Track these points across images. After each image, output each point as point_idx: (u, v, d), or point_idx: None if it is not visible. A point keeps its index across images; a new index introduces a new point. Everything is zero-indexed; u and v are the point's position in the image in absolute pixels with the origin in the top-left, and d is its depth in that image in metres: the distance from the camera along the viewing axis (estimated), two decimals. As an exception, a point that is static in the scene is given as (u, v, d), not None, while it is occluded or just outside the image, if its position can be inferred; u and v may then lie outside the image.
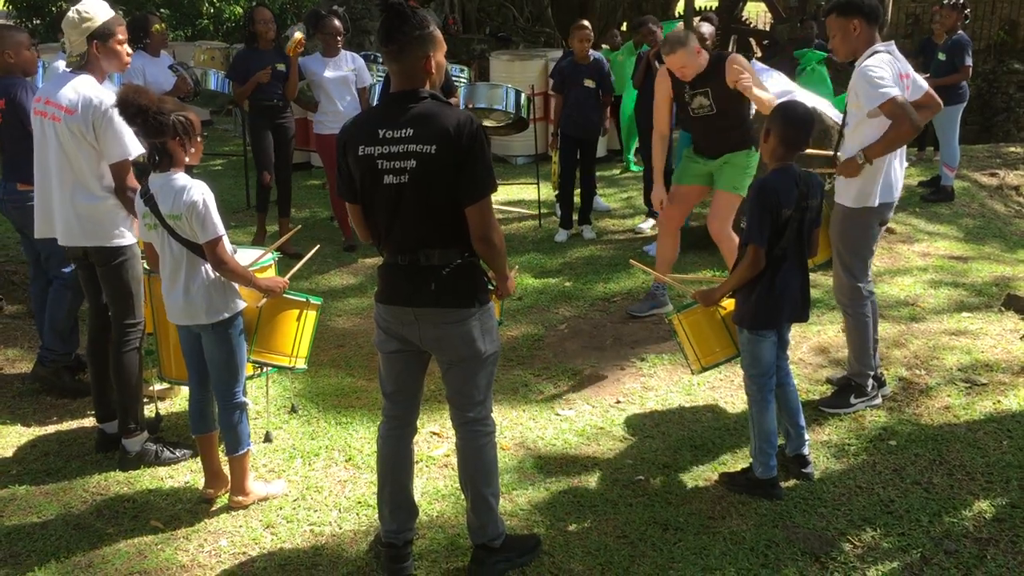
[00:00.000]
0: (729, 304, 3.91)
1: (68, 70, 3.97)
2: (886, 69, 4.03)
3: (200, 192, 3.41)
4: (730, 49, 12.49)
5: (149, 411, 4.52)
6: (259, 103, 6.98)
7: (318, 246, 4.61)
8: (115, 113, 3.71)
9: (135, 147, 3.89)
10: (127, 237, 4.04)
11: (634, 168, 9.84)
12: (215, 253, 3.43)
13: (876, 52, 4.12)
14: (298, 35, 7.04)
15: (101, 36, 3.92)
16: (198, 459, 3.98)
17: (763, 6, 15.68)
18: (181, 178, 3.45)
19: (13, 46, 4.66)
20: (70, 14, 3.90)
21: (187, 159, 3.50)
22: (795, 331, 4.12)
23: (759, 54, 12.88)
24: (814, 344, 5.25)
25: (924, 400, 4.57)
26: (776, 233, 3.59)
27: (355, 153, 2.93)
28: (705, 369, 4.18)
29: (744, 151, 5.32)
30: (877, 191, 4.23)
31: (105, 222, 3.98)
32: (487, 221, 2.92)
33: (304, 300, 4.00)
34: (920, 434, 4.23)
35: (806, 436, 3.92)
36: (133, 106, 3.38)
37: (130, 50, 4.11)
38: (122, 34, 4.01)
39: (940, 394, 4.63)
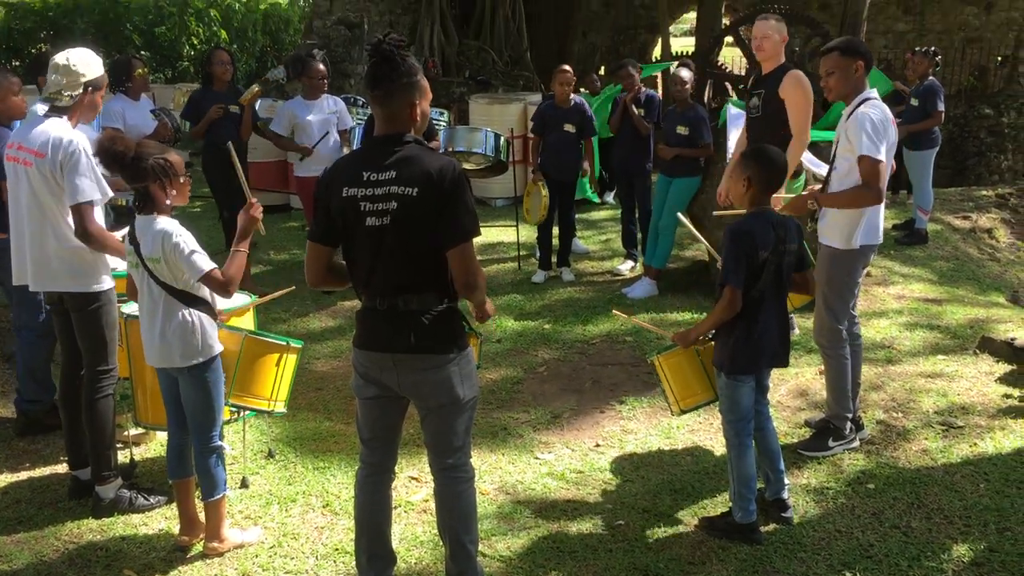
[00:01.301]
0: (710, 347, 3.93)
1: (43, 113, 3.97)
2: (882, 128, 4.09)
3: (178, 234, 3.42)
4: (707, 94, 12.64)
5: (124, 456, 4.46)
6: (213, 144, 6.99)
7: (292, 287, 4.57)
8: (83, 156, 3.76)
9: (95, 192, 3.87)
10: (104, 282, 4.02)
11: (590, 196, 9.87)
12: (213, 284, 3.46)
13: (869, 99, 4.20)
14: (255, 88, 7.12)
15: (95, 87, 3.97)
16: (173, 506, 3.94)
17: (739, 51, 15.92)
18: (161, 221, 3.46)
19: (1, 91, 4.57)
20: (63, 60, 3.90)
21: (169, 201, 3.50)
22: (774, 373, 4.13)
23: (735, 98, 13.03)
24: (792, 386, 5.27)
25: (901, 443, 4.59)
26: (753, 275, 3.62)
27: (339, 194, 2.94)
28: (684, 411, 4.20)
29: None
30: (860, 233, 4.28)
31: (81, 267, 3.96)
32: (469, 265, 2.92)
33: (284, 344, 3.99)
34: (898, 477, 4.24)
35: (786, 480, 3.93)
36: (110, 153, 3.40)
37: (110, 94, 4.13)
38: (102, 90, 4.07)
39: (917, 437, 4.65)
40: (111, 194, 4.01)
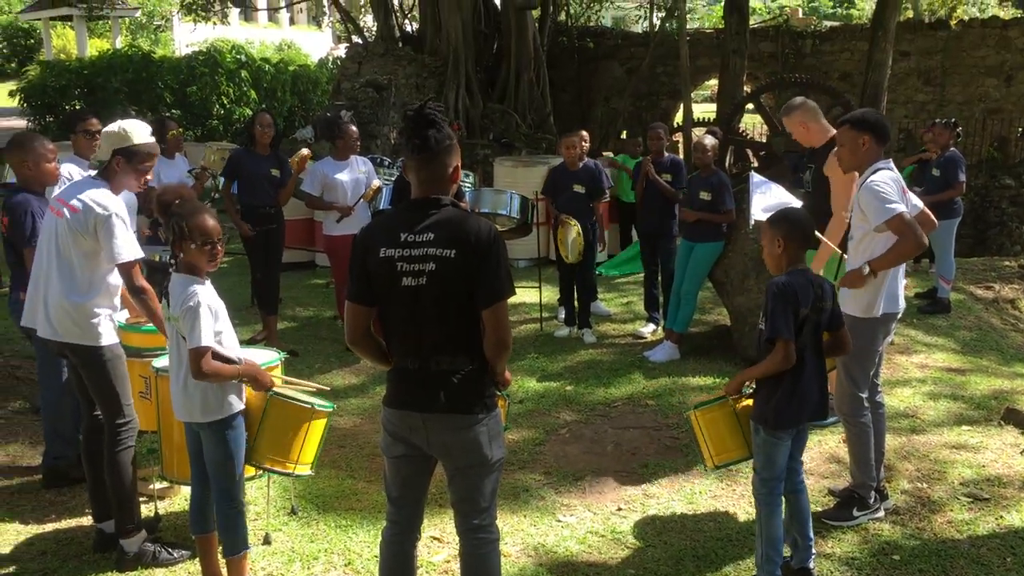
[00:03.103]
0: (747, 406, 3.95)
1: (92, 174, 4.09)
2: (891, 185, 4.17)
3: (197, 299, 3.47)
4: (728, 160, 12.77)
5: (148, 510, 4.49)
6: (250, 207, 7.11)
7: (328, 388, 4.49)
8: (115, 219, 3.87)
9: (137, 249, 4.00)
10: (106, 338, 4.06)
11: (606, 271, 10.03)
12: (194, 361, 3.46)
13: (879, 169, 4.26)
14: (305, 152, 7.24)
15: (127, 154, 4.01)
16: (196, 561, 3.95)
17: (759, 118, 16.09)
18: (185, 282, 3.53)
19: (34, 157, 4.62)
20: (112, 127, 4.04)
21: (198, 264, 3.57)
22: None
23: (756, 165, 13.17)
24: (817, 453, 5.25)
25: (927, 514, 4.56)
26: (796, 331, 3.65)
27: (376, 255, 3.00)
28: (718, 467, 4.22)
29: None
30: (881, 302, 4.31)
31: (84, 322, 4.01)
32: (503, 324, 2.98)
33: (310, 408, 3.90)
34: (924, 549, 4.21)
35: (813, 549, 3.90)
36: (164, 205, 3.52)
37: (149, 176, 4.19)
38: (148, 163, 4.11)
39: (943, 508, 4.62)
40: (141, 255, 4.11)
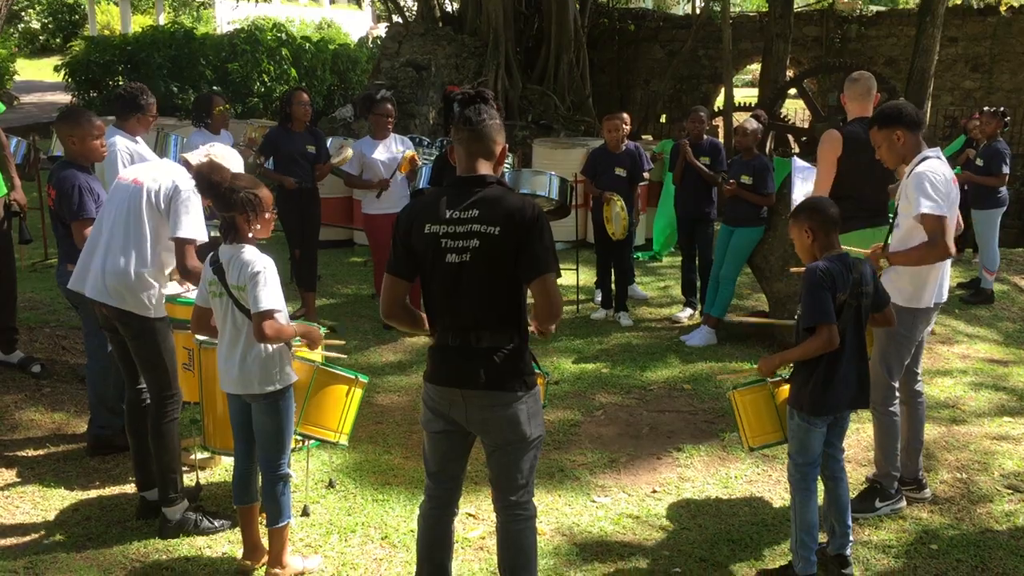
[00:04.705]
0: (785, 389, 3.93)
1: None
2: (941, 184, 4.07)
3: (263, 265, 3.54)
4: (768, 146, 12.64)
5: (190, 480, 4.57)
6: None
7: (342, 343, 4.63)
8: (194, 197, 3.98)
9: (200, 232, 4.07)
10: (158, 309, 4.14)
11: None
12: (259, 324, 3.51)
13: (927, 158, 4.19)
14: (349, 152, 7.27)
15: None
16: (236, 530, 4.02)
17: (802, 103, 15.90)
18: (248, 252, 3.58)
19: (80, 133, 4.60)
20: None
21: (251, 233, 3.63)
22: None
23: (797, 151, 13.05)
24: (855, 441, 5.21)
25: (966, 504, 4.52)
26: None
27: (420, 231, 3.03)
28: (754, 449, 4.22)
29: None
30: (924, 294, 4.26)
31: (142, 292, 4.07)
32: (552, 296, 2.98)
33: (353, 377, 4.08)
34: (962, 539, 4.17)
35: (851, 536, 3.88)
36: (207, 181, 3.56)
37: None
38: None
39: (983, 499, 4.57)
40: (205, 239, 4.17)
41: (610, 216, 7.42)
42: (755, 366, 3.95)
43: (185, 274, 4.07)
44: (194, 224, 4.06)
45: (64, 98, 20.12)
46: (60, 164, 4.72)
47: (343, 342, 4.58)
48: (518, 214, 2.94)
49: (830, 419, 3.77)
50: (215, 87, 18.85)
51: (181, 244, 4.04)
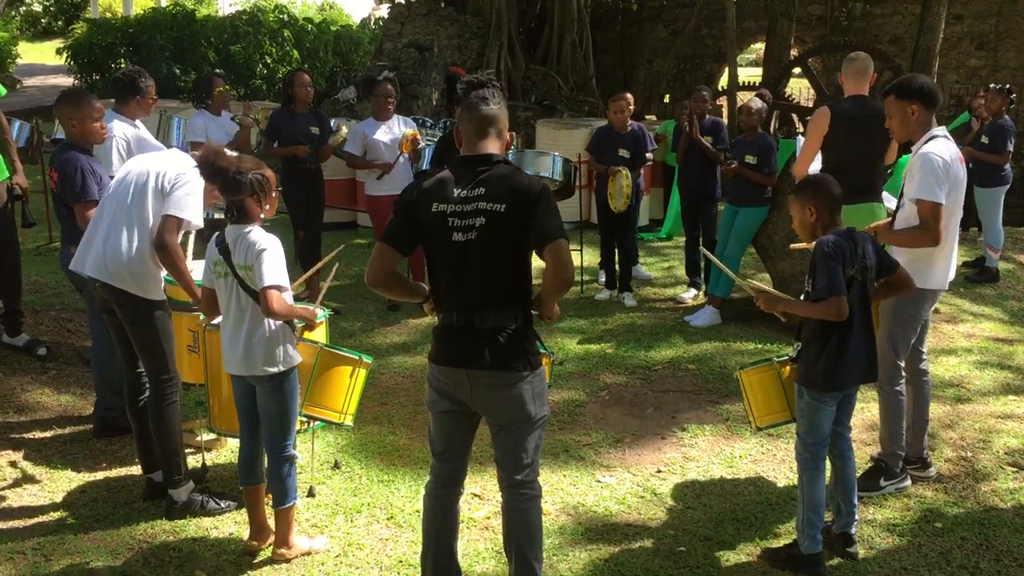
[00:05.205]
0: (793, 370, 3.93)
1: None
2: (943, 169, 4.04)
3: (269, 244, 3.55)
4: (773, 125, 12.58)
5: (195, 461, 4.59)
6: (292, 166, 7.14)
7: (341, 246, 4.67)
8: (197, 182, 3.98)
9: (191, 214, 4.05)
10: (158, 293, 4.14)
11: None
12: (267, 299, 3.50)
13: (935, 137, 4.16)
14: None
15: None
16: (242, 511, 4.04)
17: (806, 83, 15.82)
18: (255, 232, 3.58)
19: (80, 115, 4.58)
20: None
21: (262, 214, 3.65)
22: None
23: (801, 130, 12.96)
24: (859, 420, 5.21)
25: (971, 483, 4.52)
26: None
27: (428, 209, 3.03)
28: (761, 429, 4.24)
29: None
30: (937, 275, 4.25)
31: (143, 274, 4.08)
32: (564, 262, 2.95)
33: (357, 358, 4.09)
34: (967, 517, 4.18)
35: (857, 515, 3.89)
36: (213, 167, 3.55)
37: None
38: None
39: (987, 478, 4.58)
40: (199, 226, 4.17)
41: (614, 192, 7.38)
42: (760, 346, 3.95)
43: (159, 248, 4.01)
44: (192, 208, 4.05)
45: (67, 81, 20.08)
46: (62, 147, 4.71)
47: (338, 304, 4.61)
48: (524, 191, 2.95)
49: (840, 396, 3.77)
50: (217, 69, 18.81)
51: (167, 219, 4.02)
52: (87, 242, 4.19)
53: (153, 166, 4.10)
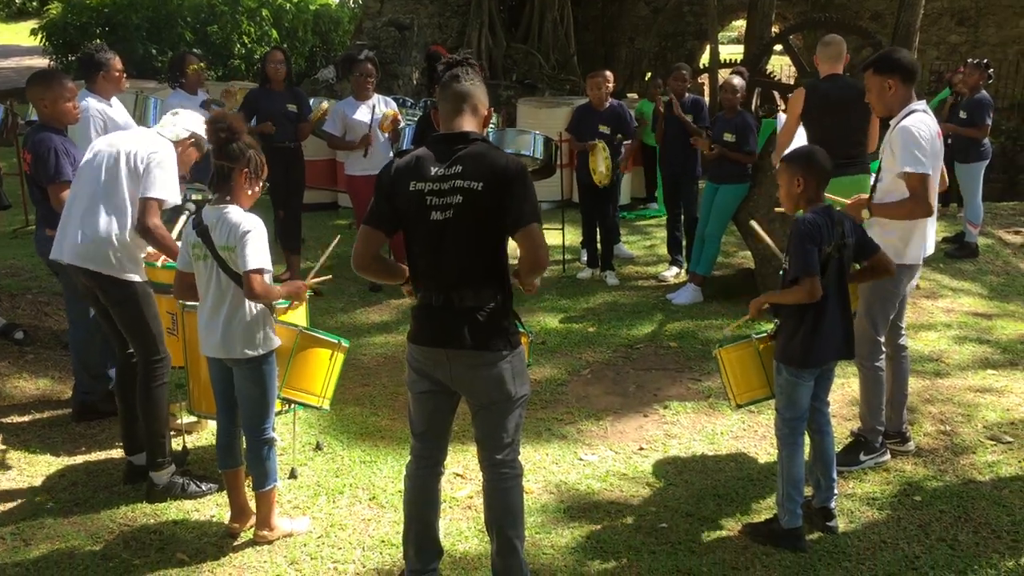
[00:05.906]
0: (771, 346, 3.95)
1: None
2: (927, 141, 4.04)
3: (252, 225, 3.51)
4: (754, 102, 12.57)
5: (176, 444, 4.56)
6: (271, 145, 7.07)
7: (329, 276, 4.66)
8: (170, 161, 3.97)
9: (169, 193, 4.03)
10: (139, 274, 4.12)
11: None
12: (250, 282, 3.47)
13: (914, 111, 4.15)
14: (324, 105, 7.20)
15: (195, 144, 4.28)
16: (223, 493, 4.02)
17: (787, 60, 15.81)
18: (235, 212, 3.54)
19: (51, 96, 4.53)
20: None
21: (248, 192, 3.62)
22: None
23: (783, 107, 12.96)
24: (839, 396, 5.24)
25: (950, 456, 4.56)
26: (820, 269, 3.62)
27: (405, 189, 3.00)
28: (741, 406, 4.25)
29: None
30: (913, 249, 4.26)
31: (124, 257, 4.05)
32: (537, 245, 2.95)
33: (336, 341, 4.07)
34: (945, 491, 4.22)
35: (836, 489, 3.92)
36: (225, 124, 3.50)
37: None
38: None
39: (966, 451, 4.62)
40: (177, 202, 4.13)
41: (595, 167, 7.35)
42: (737, 322, 3.96)
43: (143, 232, 4.00)
44: (167, 186, 4.02)
45: (42, 62, 19.81)
46: (35, 128, 4.65)
47: (329, 276, 4.60)
48: (501, 170, 2.93)
49: (817, 372, 3.78)
50: (195, 50, 18.59)
51: (148, 202, 4.00)
52: (63, 228, 4.15)
53: (123, 145, 4.05)
